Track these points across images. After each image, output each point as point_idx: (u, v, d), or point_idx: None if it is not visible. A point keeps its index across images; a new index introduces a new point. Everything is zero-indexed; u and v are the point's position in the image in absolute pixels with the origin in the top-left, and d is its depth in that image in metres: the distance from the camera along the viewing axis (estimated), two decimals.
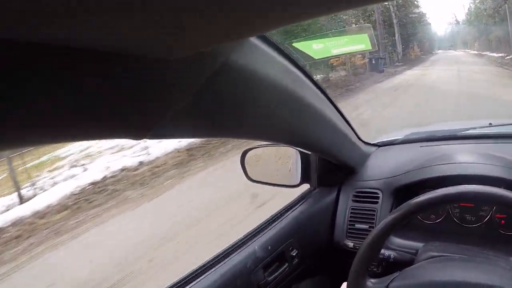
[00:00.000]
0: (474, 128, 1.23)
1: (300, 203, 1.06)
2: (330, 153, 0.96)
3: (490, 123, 1.25)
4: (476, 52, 29.09)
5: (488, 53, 23.36)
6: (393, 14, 21.33)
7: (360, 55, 14.80)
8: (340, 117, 0.90)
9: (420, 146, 1.18)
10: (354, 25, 15.89)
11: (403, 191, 0.96)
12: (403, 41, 23.29)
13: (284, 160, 1.10)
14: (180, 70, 0.35)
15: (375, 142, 1.24)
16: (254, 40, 0.47)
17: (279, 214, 1.02)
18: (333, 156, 0.98)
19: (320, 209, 1.06)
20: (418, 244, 0.90)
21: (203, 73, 0.38)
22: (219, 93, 0.45)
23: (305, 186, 1.11)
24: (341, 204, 1.06)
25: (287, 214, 1.01)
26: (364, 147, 1.14)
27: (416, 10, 27.64)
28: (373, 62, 15.43)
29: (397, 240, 0.96)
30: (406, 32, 24.35)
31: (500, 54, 18.86)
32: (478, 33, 29.51)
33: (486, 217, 0.96)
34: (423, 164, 1.00)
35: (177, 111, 0.40)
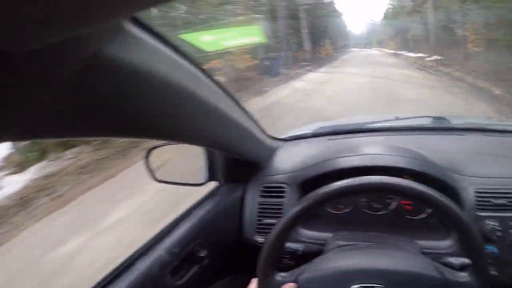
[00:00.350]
0: (381, 122, 1.30)
1: (207, 201, 1.03)
2: (233, 150, 0.95)
3: (397, 117, 1.34)
4: (392, 51, 28.73)
5: (404, 52, 22.18)
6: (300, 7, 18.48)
7: (250, 56, 12.37)
8: (243, 113, 0.88)
9: (328, 140, 1.22)
10: (241, 17, 12.08)
11: (309, 184, 0.97)
12: (313, 37, 20.40)
13: (193, 157, 1.06)
14: (33, 63, 0.31)
15: (283, 136, 1.25)
16: (133, 30, 0.43)
17: (184, 215, 0.98)
18: (237, 153, 0.97)
19: (227, 206, 1.04)
20: (327, 235, 0.93)
21: (65, 66, 0.34)
22: (91, 89, 0.41)
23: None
24: (249, 200, 1.05)
25: (193, 213, 0.98)
26: (271, 142, 1.15)
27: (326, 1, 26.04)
28: (267, 63, 12.41)
29: (306, 232, 0.97)
30: (317, 26, 21.24)
31: (419, 55, 17.32)
32: (395, 31, 29.34)
33: (393, 204, 1.01)
34: (329, 157, 1.02)
35: (42, 109, 0.36)
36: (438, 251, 0.86)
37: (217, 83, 0.72)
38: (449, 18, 13.77)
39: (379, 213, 1.02)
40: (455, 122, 1.34)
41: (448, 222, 0.68)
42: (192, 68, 0.60)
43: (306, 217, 0.69)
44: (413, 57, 17.98)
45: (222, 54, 9.89)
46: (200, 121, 0.70)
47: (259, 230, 1.02)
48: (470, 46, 11.07)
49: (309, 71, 15.42)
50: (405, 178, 0.75)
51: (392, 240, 0.86)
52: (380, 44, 40.96)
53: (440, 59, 13.21)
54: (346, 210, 1.03)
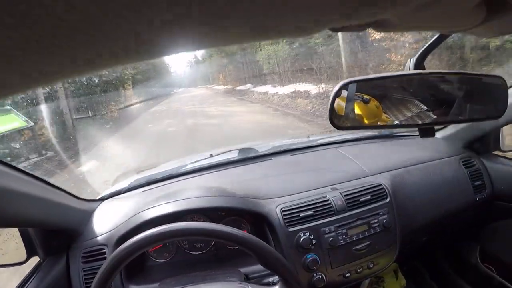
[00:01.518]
0: (196, 162, 1.38)
1: (31, 280, 0.96)
2: (43, 224, 0.91)
3: (211, 154, 1.44)
4: (223, 87, 24.51)
5: (241, 86, 18.29)
6: None
7: None
8: (43, 185, 0.87)
9: (142, 191, 1.23)
10: None
11: (127, 239, 0.91)
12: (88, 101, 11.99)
13: (7, 235, 0.99)
14: None
15: (99, 196, 1.24)
16: None
17: None
18: (47, 225, 0.94)
19: (53, 280, 0.98)
20: (155, 286, 0.95)
21: None
22: None
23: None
24: (73, 269, 1.00)
25: None
26: (85, 205, 1.13)
27: None
28: None
29: (134, 287, 0.98)
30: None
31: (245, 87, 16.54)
32: (220, 65, 25.35)
33: (213, 240, 1.11)
34: (142, 208, 1.04)
35: None
36: (259, 274, 0.98)
37: (9, 166, 0.72)
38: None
39: (202, 251, 1.11)
40: (262, 149, 1.46)
41: (245, 250, 0.75)
42: None
43: (118, 271, 0.72)
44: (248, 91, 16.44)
45: None
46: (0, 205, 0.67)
47: None
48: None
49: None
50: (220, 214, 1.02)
51: (214, 275, 0.93)
52: (206, 80, 36.98)
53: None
54: (171, 256, 1.10)
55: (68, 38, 0.17)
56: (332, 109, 0.63)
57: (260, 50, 14.08)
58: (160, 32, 0.19)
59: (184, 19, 0.18)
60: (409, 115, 0.72)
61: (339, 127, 0.63)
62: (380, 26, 0.29)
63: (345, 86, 0.63)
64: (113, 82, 14.11)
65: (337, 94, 0.63)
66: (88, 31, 0.17)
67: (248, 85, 17.28)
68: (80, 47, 0.18)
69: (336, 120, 0.63)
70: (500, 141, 1.39)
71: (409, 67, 0.74)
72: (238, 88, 18.98)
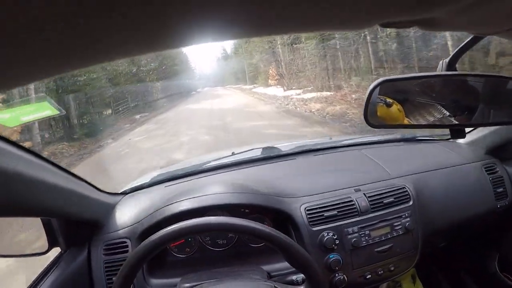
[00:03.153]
0: (219, 159, 1.39)
1: (52, 270, 0.97)
2: (67, 215, 0.92)
3: (233, 152, 1.45)
4: (282, 91, 13.97)
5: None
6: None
7: None
8: (68, 177, 0.88)
9: (165, 186, 1.24)
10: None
11: (150, 233, 0.92)
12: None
13: (30, 225, 1.01)
14: None
15: (122, 190, 1.25)
16: None
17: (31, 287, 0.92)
18: (71, 217, 0.95)
19: (74, 271, 0.99)
20: (176, 280, 0.94)
21: None
22: None
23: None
24: (95, 261, 1.02)
25: (39, 285, 0.92)
26: (108, 198, 1.14)
27: None
28: None
29: (155, 282, 0.99)
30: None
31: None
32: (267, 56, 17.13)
33: (235, 237, 1.12)
34: (166, 203, 1.04)
35: None
36: (282, 272, 0.98)
37: (36, 155, 0.74)
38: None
39: (224, 248, 1.12)
40: (285, 148, 1.46)
41: (273, 247, 0.74)
42: (8, 147, 0.61)
43: (141, 265, 0.74)
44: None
45: None
46: (26, 194, 0.68)
47: None
48: None
49: None
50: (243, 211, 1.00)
51: (237, 272, 0.93)
52: (238, 80, 27.20)
53: None
54: (193, 252, 1.11)
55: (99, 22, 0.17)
56: (366, 107, 0.63)
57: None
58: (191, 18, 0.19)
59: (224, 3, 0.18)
60: (431, 119, 0.72)
61: (374, 126, 0.64)
62: (426, 24, 0.30)
63: (381, 84, 0.64)
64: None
65: (372, 93, 0.64)
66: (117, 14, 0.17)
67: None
68: (108, 32, 0.18)
69: (371, 118, 0.64)
70: None
71: (441, 69, 0.74)
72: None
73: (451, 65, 0.73)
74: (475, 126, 1.24)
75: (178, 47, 0.23)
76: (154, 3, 0.17)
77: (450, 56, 0.73)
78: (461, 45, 0.71)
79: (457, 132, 0.72)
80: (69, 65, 0.22)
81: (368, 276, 1.02)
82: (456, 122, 0.71)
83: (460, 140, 1.48)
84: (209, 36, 0.22)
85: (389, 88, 0.69)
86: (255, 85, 20.97)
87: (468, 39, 0.70)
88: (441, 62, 0.74)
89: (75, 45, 0.19)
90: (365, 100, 0.63)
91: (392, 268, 1.05)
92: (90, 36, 0.18)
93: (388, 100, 0.69)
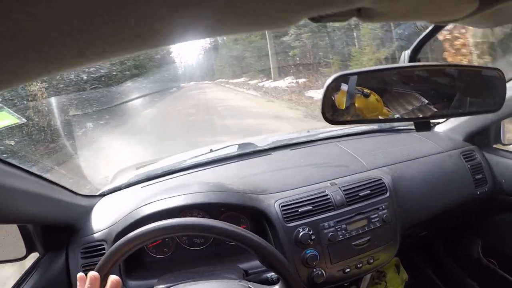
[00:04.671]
0: (195, 157, 1.38)
1: (31, 276, 0.96)
2: (40, 220, 0.92)
3: (211, 149, 1.44)
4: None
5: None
6: None
7: None
8: (40, 181, 0.87)
9: (141, 187, 1.23)
10: None
11: (125, 235, 0.89)
12: None
13: (6, 232, 0.99)
14: None
15: (99, 192, 1.24)
16: None
17: None
18: (46, 222, 0.94)
19: (52, 276, 0.98)
20: (154, 281, 0.94)
21: None
22: None
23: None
24: (73, 265, 1.00)
25: None
26: (84, 201, 1.13)
27: None
28: None
29: (132, 283, 0.99)
30: None
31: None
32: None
33: (212, 236, 1.10)
34: (141, 204, 1.03)
35: None
36: (259, 269, 0.98)
37: (6, 163, 0.73)
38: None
39: (202, 247, 1.12)
40: (262, 144, 1.45)
41: (245, 247, 0.75)
42: None
43: (113, 268, 0.73)
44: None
45: None
46: None
47: None
48: None
49: None
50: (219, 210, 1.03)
51: (213, 271, 0.93)
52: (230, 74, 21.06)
53: None
54: (170, 252, 1.11)
55: (87, 22, 0.17)
56: (324, 102, 0.62)
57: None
58: (170, 20, 0.19)
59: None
60: (410, 108, 0.71)
61: (332, 122, 0.62)
62: (364, 15, 0.28)
63: (338, 79, 0.62)
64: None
65: (328, 87, 0.62)
66: (107, 16, 0.17)
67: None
68: (96, 33, 0.18)
69: (329, 114, 0.63)
70: (501, 134, 1.38)
71: (403, 60, 0.73)
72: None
73: (413, 56, 0.72)
74: (451, 116, 1.24)
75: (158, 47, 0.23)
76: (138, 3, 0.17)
77: (412, 47, 0.72)
78: (422, 35, 0.70)
79: (422, 125, 0.70)
80: (58, 67, 0.21)
81: (347, 270, 1.02)
82: (435, 111, 0.70)
83: (437, 129, 1.48)
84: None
85: (363, 80, 0.67)
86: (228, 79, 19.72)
87: (429, 29, 0.69)
88: (403, 53, 0.73)
89: (65, 46, 0.19)
90: (323, 95, 0.61)
91: (372, 261, 1.05)
92: (75, 38, 0.18)
93: (366, 91, 0.67)
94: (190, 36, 0.23)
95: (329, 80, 0.61)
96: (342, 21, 0.30)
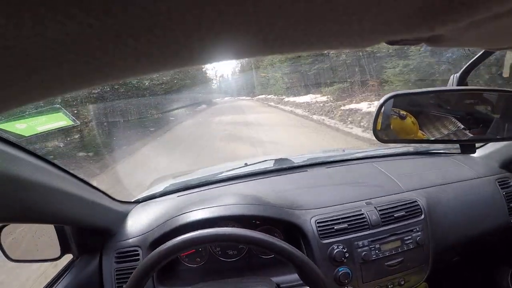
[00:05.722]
0: (231, 170, 1.40)
1: (64, 276, 0.99)
2: (79, 222, 0.93)
3: (246, 163, 1.45)
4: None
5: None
6: None
7: None
8: (82, 185, 0.90)
9: (177, 196, 1.25)
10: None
11: (161, 242, 0.91)
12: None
13: (43, 232, 1.03)
14: None
15: (135, 199, 1.27)
16: None
17: None
18: (83, 224, 0.96)
19: (85, 278, 1.00)
20: None
21: None
22: None
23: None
24: (106, 269, 1.02)
25: None
26: (121, 207, 1.15)
27: None
28: None
29: None
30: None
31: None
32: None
33: (246, 248, 1.12)
34: (178, 213, 1.05)
35: None
36: (291, 284, 0.97)
37: (53, 164, 0.76)
38: None
39: (234, 259, 1.12)
40: (298, 160, 1.46)
41: (286, 261, 0.75)
42: (15, 152, 0.61)
43: (151, 274, 0.75)
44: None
45: None
46: (41, 202, 0.69)
47: None
48: None
49: None
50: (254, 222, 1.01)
51: (246, 283, 0.92)
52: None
53: None
54: (203, 262, 1.11)
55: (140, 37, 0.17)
56: (376, 121, 0.64)
57: None
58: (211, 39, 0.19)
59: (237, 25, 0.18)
60: (446, 132, 0.71)
61: (382, 140, 0.64)
62: (433, 41, 0.30)
63: (390, 99, 0.64)
64: None
65: (381, 106, 0.64)
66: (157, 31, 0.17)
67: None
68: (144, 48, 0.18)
69: (380, 133, 0.64)
70: None
71: (452, 83, 0.74)
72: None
73: (462, 80, 0.73)
74: (489, 141, 1.23)
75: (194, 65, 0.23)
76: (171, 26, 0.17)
77: (461, 71, 0.73)
78: (472, 60, 0.71)
79: (467, 147, 0.71)
80: (90, 82, 0.23)
81: None
82: (470, 136, 0.70)
83: (474, 154, 1.46)
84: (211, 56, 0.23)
85: (402, 102, 0.69)
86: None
87: (479, 54, 0.70)
88: (452, 76, 0.74)
89: (98, 64, 0.19)
90: (375, 114, 0.63)
91: (402, 282, 1.04)
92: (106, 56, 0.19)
93: (402, 112, 0.69)
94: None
95: (382, 99, 0.63)
96: (414, 45, 0.32)
